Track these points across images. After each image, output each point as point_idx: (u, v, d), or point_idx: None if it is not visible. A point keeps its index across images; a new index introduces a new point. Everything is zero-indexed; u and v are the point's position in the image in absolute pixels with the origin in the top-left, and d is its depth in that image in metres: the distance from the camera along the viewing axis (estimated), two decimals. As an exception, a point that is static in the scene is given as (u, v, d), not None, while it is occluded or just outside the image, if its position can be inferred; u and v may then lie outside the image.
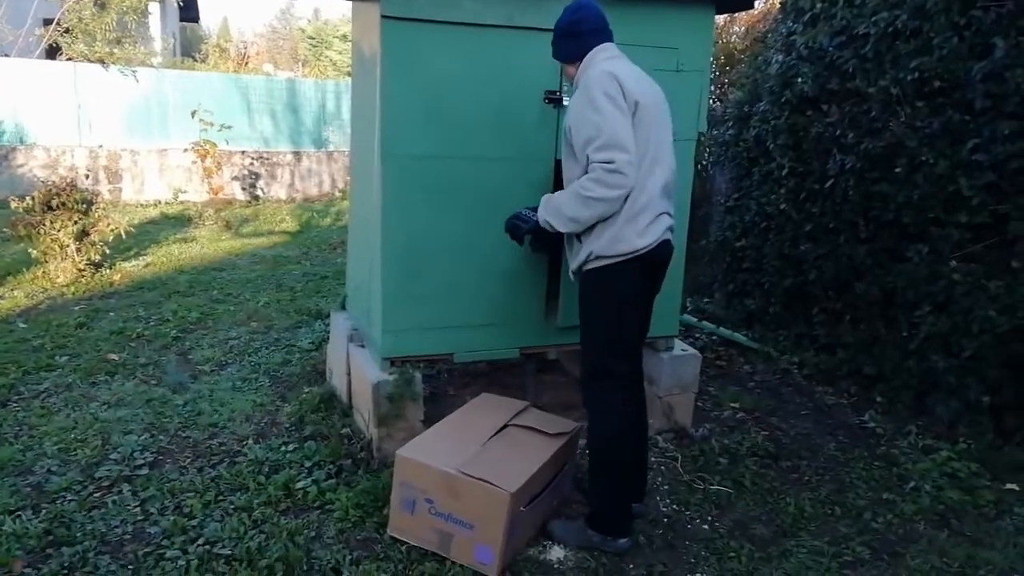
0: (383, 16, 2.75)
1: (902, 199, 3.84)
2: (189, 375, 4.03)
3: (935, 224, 3.70)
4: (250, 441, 3.23)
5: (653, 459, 3.25)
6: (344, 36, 18.99)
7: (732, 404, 3.88)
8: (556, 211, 2.46)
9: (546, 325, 3.25)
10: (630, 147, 2.29)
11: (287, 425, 3.39)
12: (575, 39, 2.51)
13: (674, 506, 2.91)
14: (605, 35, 2.50)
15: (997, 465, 3.21)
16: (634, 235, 2.37)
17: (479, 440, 2.61)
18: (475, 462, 2.44)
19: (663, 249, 2.47)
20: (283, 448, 3.15)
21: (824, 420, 3.79)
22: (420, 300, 3.04)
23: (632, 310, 2.49)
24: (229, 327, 4.92)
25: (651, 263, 2.45)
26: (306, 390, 3.71)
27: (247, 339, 4.66)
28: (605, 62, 2.45)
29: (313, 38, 23.67)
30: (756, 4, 5.60)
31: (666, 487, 3.04)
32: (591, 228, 2.42)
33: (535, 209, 2.59)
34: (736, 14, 7.35)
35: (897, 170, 3.87)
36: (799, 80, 4.69)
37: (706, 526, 2.80)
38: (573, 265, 2.59)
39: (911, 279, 3.82)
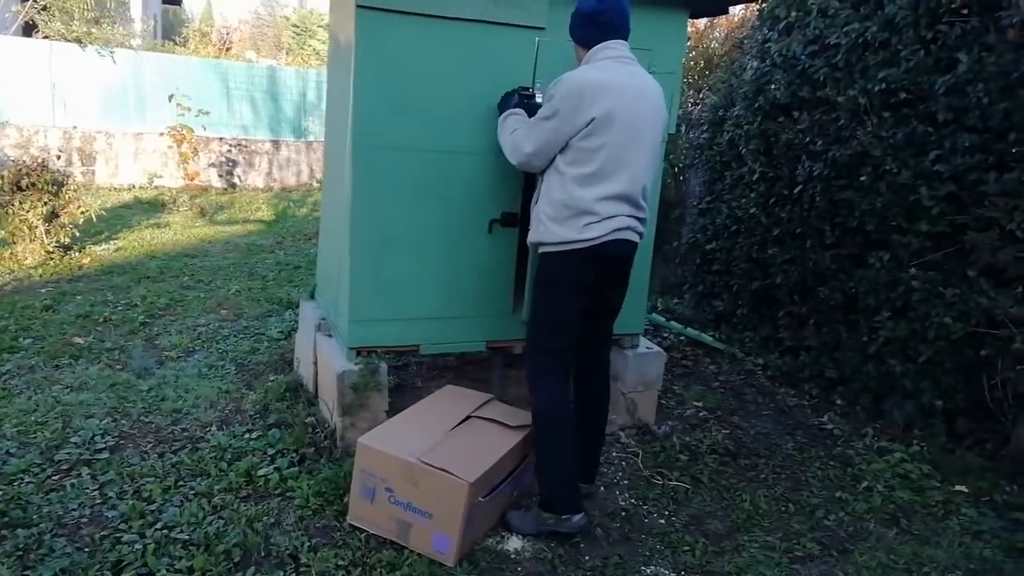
0: (358, 6, 2.76)
1: (866, 207, 3.93)
2: (155, 360, 4.01)
3: (897, 232, 3.79)
4: (213, 428, 3.23)
5: (615, 454, 3.30)
6: (328, 25, 18.90)
7: (695, 403, 3.94)
8: (501, 124, 2.81)
9: (513, 320, 3.28)
10: (527, 148, 2.58)
11: (251, 413, 3.39)
12: (592, 27, 2.60)
13: (632, 500, 2.96)
14: (620, 31, 2.58)
15: (948, 467, 3.30)
16: (573, 232, 2.51)
17: (441, 430, 2.63)
18: (435, 452, 2.47)
19: (612, 247, 2.53)
20: (246, 435, 3.16)
21: (784, 420, 3.87)
22: (387, 291, 3.05)
23: (568, 295, 2.58)
24: (198, 314, 4.90)
25: (595, 256, 2.52)
26: (272, 378, 3.71)
27: (216, 326, 4.64)
28: (597, 63, 2.56)
29: (297, 26, 23.44)
30: (735, 10, 5.68)
31: (626, 482, 3.09)
32: (536, 221, 2.61)
33: (523, 97, 2.88)
34: (716, 20, 7.43)
35: (862, 178, 3.95)
36: (772, 87, 4.77)
37: (663, 520, 2.85)
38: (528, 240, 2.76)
39: (872, 285, 3.91)
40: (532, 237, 2.67)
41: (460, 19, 2.90)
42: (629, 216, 2.54)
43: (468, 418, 2.76)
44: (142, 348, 4.19)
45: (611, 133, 2.46)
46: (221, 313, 4.95)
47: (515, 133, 2.68)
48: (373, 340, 3.09)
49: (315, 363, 3.48)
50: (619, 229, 2.51)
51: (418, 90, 2.91)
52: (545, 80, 3.02)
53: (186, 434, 3.18)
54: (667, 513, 2.89)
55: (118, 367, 3.89)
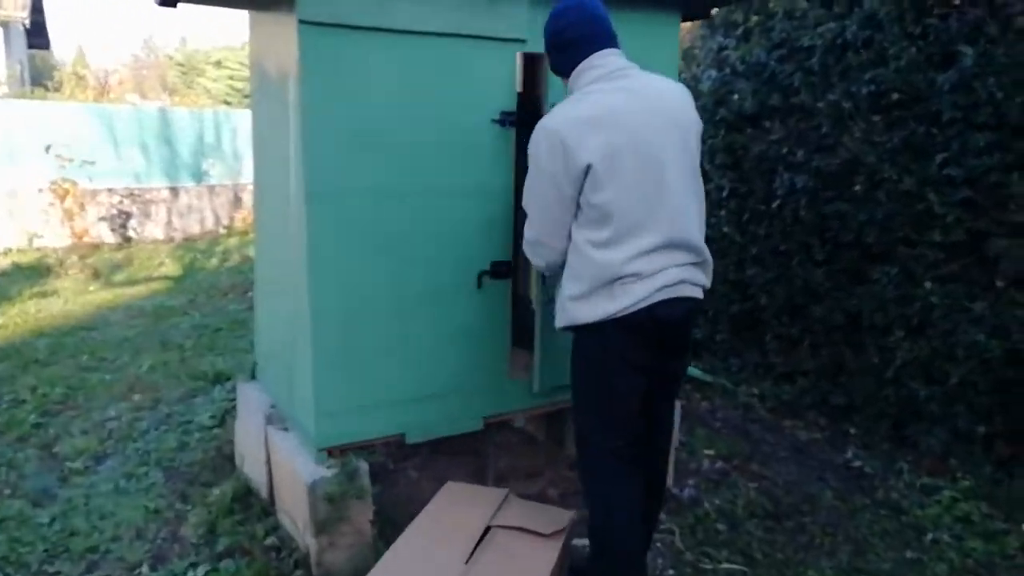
0: (301, 21, 2.18)
1: (863, 218, 3.62)
2: (56, 477, 3.20)
3: (904, 243, 3.48)
4: (144, 568, 2.50)
5: (646, 535, 2.79)
6: (218, 63, 17.83)
7: (707, 451, 3.49)
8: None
9: (511, 387, 2.73)
10: (530, 233, 2.11)
11: (193, 540, 2.67)
12: (561, 52, 2.09)
13: (686, 597, 2.46)
14: (599, 40, 2.04)
15: (1005, 503, 2.97)
16: (604, 302, 1.98)
17: (460, 555, 2.05)
18: (465, 592, 1.89)
19: (661, 310, 1.96)
20: (190, 574, 2.46)
21: (807, 462, 3.47)
22: (361, 372, 2.45)
23: (614, 376, 2.03)
24: (106, 404, 4.07)
25: (640, 324, 1.97)
26: (215, 491, 2.95)
27: (130, 419, 3.84)
28: (580, 93, 2.04)
29: (183, 65, 22.13)
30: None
31: (671, 571, 2.58)
32: (560, 306, 2.11)
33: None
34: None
35: (856, 188, 3.65)
36: (735, 96, 4.44)
37: (726, 618, 2.36)
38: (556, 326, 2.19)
39: (879, 302, 3.59)
40: (559, 323, 2.12)
41: (427, 33, 2.36)
42: (682, 266, 1.99)
43: (488, 529, 2.19)
44: (37, 460, 3.36)
45: (622, 175, 1.92)
46: (134, 399, 4.14)
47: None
48: (348, 436, 2.48)
49: (268, 463, 2.82)
50: (668, 286, 1.96)
51: (382, 121, 2.35)
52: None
53: (109, 583, 2.45)
54: (730, 608, 2.41)
55: (7, 492, 3.07)
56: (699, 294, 2.06)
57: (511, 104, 2.54)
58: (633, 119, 1.96)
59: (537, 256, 2.15)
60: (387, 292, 2.45)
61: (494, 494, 2.39)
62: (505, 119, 2.52)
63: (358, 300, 2.41)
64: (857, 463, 3.41)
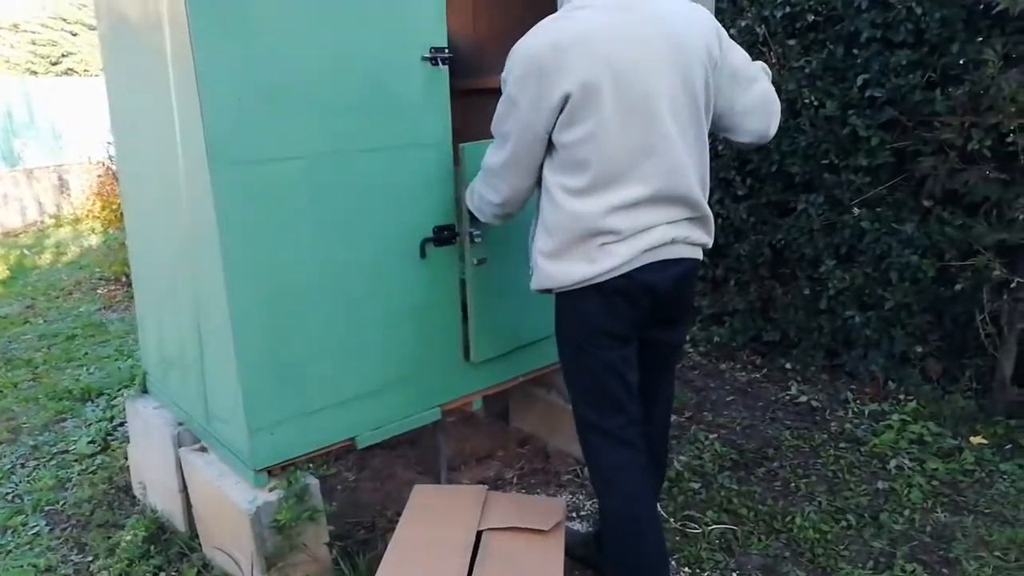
0: (180, -65, 1.68)
1: (786, 148, 3.54)
2: None
3: (829, 171, 3.44)
4: (46, 649, 2.01)
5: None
6: (16, 26, 15.46)
7: (656, 405, 3.35)
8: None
9: (467, 368, 2.41)
10: (494, 160, 1.81)
11: (104, 600, 2.18)
12: None
13: (686, 568, 2.28)
14: None
15: (949, 419, 3.03)
16: (582, 264, 1.71)
17: (459, 571, 1.73)
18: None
19: (649, 274, 1.71)
20: (110, 646, 1.99)
21: (754, 403, 3.41)
22: (296, 373, 2.04)
23: (600, 351, 1.78)
24: (-54, 442, 3.34)
25: (624, 291, 1.72)
26: (122, 534, 2.42)
27: (-16, 457, 3.16)
28: (567, 7, 1.70)
29: (-30, 33, 19.09)
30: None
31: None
32: (532, 262, 1.84)
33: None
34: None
35: (775, 117, 3.55)
36: (636, 30, 4.24)
37: (733, 585, 2.21)
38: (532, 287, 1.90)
39: (807, 233, 3.56)
40: (533, 284, 1.85)
41: (337, -50, 1.92)
42: (674, 223, 1.72)
43: (480, 535, 1.88)
44: None
45: (603, 111, 1.61)
46: (-17, 432, 3.43)
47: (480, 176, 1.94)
48: (289, 450, 2.07)
49: (184, 491, 2.35)
50: (657, 247, 1.70)
51: (290, 64, 1.90)
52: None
53: (-2, 678, 1.93)
54: (736, 575, 2.25)
55: None
56: (697, 254, 1.83)
57: (442, 38, 2.15)
58: (622, 48, 1.62)
59: (492, 189, 1.86)
60: (318, 273, 2.03)
61: (472, 493, 2.08)
62: (437, 56, 2.14)
63: (284, 286, 1.98)
64: (803, 398, 3.38)
